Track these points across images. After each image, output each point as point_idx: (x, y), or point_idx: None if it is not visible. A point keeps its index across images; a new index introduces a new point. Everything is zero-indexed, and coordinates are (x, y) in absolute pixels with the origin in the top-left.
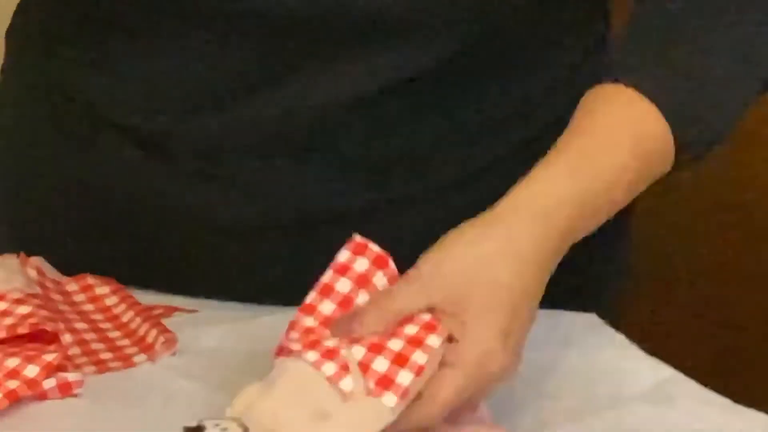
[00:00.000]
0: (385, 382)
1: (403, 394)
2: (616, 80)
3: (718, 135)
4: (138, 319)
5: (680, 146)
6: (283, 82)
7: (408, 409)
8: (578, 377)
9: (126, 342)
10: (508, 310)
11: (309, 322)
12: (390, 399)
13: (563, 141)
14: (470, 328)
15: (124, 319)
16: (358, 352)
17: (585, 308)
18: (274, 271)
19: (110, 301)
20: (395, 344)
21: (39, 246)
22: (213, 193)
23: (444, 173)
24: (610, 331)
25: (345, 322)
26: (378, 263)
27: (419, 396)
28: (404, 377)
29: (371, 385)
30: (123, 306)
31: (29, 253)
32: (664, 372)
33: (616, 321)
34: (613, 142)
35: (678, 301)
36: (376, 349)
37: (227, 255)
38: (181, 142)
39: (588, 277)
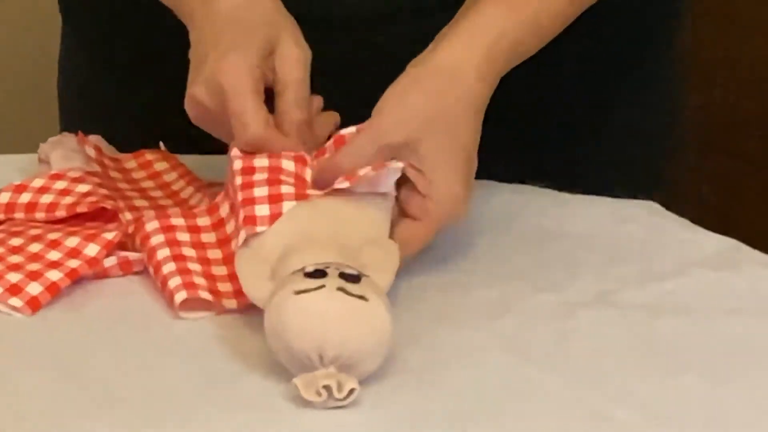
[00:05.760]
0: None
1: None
2: None
3: None
4: (198, 195)
5: None
6: None
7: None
8: (640, 247)
9: None
10: (468, 163)
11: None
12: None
13: None
14: (437, 185)
15: (184, 195)
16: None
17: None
18: None
19: (169, 177)
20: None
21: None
22: None
23: None
24: (671, 214)
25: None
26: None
27: None
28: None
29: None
30: (182, 182)
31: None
32: (728, 242)
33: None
34: None
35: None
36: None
37: None
38: None
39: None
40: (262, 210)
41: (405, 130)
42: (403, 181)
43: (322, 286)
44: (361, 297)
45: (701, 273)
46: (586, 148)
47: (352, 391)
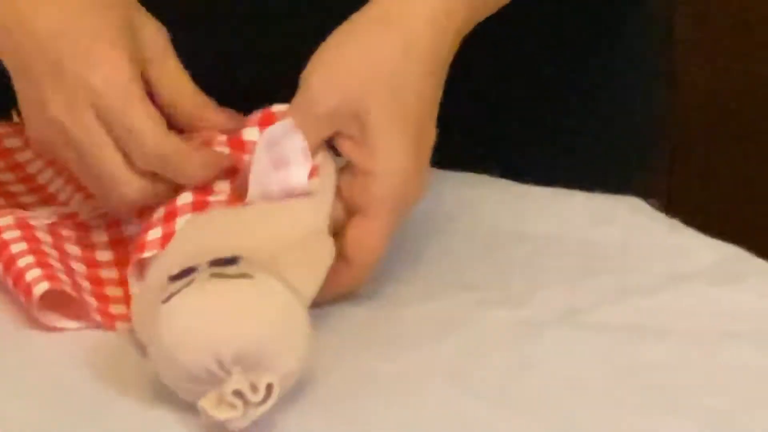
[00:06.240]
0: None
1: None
2: None
3: None
4: (59, 180)
5: None
6: None
7: (335, 274)
8: (619, 253)
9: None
10: (416, 125)
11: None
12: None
13: None
14: (380, 158)
15: (42, 179)
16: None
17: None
18: None
19: (23, 156)
20: None
21: None
22: None
23: None
24: (658, 214)
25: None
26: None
27: (340, 258)
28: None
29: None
30: (39, 163)
31: None
32: (730, 250)
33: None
34: None
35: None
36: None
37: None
38: None
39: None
40: (155, 233)
41: (338, 93)
42: (342, 168)
43: (192, 281)
44: (243, 275)
45: (695, 288)
46: (553, 136)
47: (270, 387)
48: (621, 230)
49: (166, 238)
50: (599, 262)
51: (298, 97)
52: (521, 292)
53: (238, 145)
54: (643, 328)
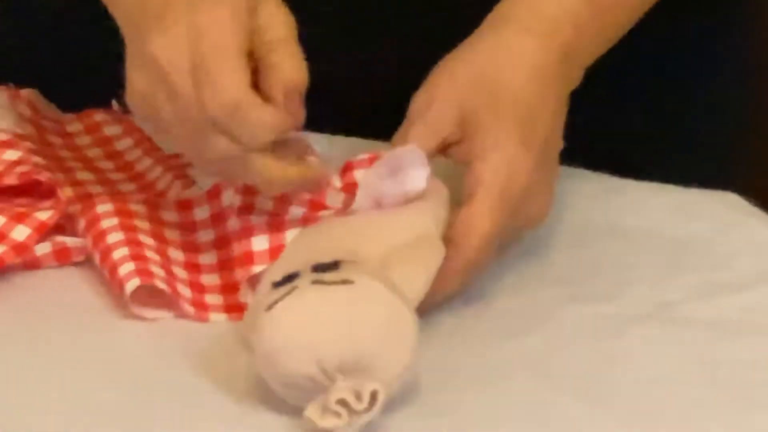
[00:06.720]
0: None
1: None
2: None
3: None
4: (158, 169)
5: None
6: None
7: (444, 261)
8: (710, 249)
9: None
10: (522, 116)
11: None
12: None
13: None
14: (485, 143)
15: (140, 167)
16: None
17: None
18: None
19: (122, 144)
20: None
21: None
22: None
23: None
24: (754, 210)
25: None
26: None
27: (449, 242)
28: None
29: None
30: (138, 151)
31: None
32: None
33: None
34: None
35: None
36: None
37: None
38: None
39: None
40: (260, 243)
41: (440, 99)
42: None
43: (294, 288)
44: (344, 282)
45: None
46: (649, 127)
47: (375, 395)
48: (713, 226)
49: (275, 252)
50: (689, 257)
51: (407, 115)
52: (610, 287)
53: (351, 187)
54: (731, 324)
